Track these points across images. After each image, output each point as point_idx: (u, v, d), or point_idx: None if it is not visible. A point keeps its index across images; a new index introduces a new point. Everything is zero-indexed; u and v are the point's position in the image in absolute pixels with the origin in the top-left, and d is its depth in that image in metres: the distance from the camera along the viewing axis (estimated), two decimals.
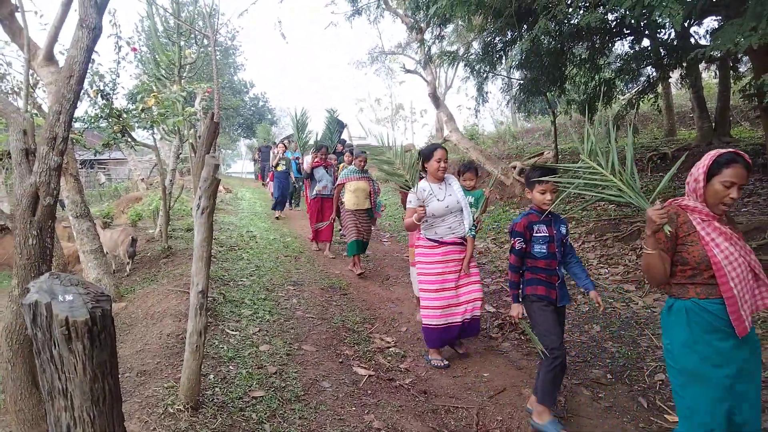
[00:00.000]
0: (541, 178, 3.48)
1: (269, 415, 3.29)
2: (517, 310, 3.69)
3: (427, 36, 11.42)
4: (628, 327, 5.23)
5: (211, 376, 3.68)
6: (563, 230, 3.67)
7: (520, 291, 3.70)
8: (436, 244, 4.56)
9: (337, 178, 8.45)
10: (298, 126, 11.18)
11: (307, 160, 9.39)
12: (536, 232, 3.58)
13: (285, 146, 13.15)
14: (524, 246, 3.60)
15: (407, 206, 4.55)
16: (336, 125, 12.55)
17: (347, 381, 4.00)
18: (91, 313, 1.31)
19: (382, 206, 7.94)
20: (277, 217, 12.57)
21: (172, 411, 3.05)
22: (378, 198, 7.86)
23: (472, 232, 4.62)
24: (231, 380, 3.69)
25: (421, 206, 4.31)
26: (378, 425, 3.38)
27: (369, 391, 3.90)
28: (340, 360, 4.44)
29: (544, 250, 3.57)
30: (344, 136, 12.25)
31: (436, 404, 3.87)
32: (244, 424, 3.13)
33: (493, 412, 3.79)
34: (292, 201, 14.42)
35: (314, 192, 8.78)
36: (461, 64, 10.87)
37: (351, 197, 7.55)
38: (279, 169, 12.50)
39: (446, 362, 4.60)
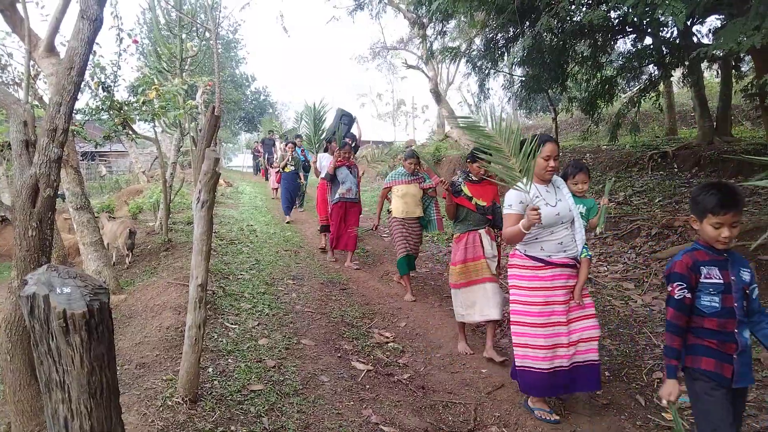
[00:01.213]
0: (722, 207, 2.42)
1: (267, 408, 3.30)
2: (671, 389, 2.49)
3: (429, 32, 11.41)
4: (626, 325, 5.24)
5: (210, 369, 3.69)
6: (746, 276, 2.51)
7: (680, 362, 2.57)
8: (541, 264, 3.56)
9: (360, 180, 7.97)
10: (315, 122, 10.21)
11: (322, 159, 8.59)
12: (705, 277, 2.49)
13: (295, 145, 11.85)
14: (688, 295, 2.51)
15: (505, 211, 3.61)
16: (341, 117, 10.83)
17: (346, 375, 4.01)
18: (88, 306, 1.32)
19: (437, 213, 6.61)
20: (288, 222, 11.12)
21: (170, 404, 3.06)
22: (430, 208, 6.65)
23: (588, 252, 3.68)
24: (230, 373, 3.69)
25: (534, 208, 3.25)
26: (376, 420, 3.39)
27: (367, 386, 3.91)
28: (339, 354, 4.45)
29: (717, 304, 2.46)
30: (354, 130, 10.91)
31: (434, 399, 3.88)
32: (242, 417, 3.15)
33: (490, 408, 3.80)
34: (297, 202, 12.92)
35: (337, 195, 7.66)
36: (463, 60, 10.88)
37: (399, 204, 6.49)
38: (287, 170, 11.34)
39: (556, 417, 3.60)
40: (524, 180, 3.14)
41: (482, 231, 4.76)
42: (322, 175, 8.27)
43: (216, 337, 4.31)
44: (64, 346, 1.31)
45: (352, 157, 8.13)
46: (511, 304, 3.70)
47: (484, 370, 4.40)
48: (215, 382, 3.52)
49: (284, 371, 3.90)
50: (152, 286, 5.66)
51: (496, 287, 4.68)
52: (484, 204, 4.76)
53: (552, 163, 3.54)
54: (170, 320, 4.52)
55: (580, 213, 3.83)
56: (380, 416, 3.45)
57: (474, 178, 4.84)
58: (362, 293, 6.39)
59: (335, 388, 3.78)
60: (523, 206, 3.46)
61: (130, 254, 7.27)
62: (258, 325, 4.78)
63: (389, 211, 6.71)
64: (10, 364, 2.94)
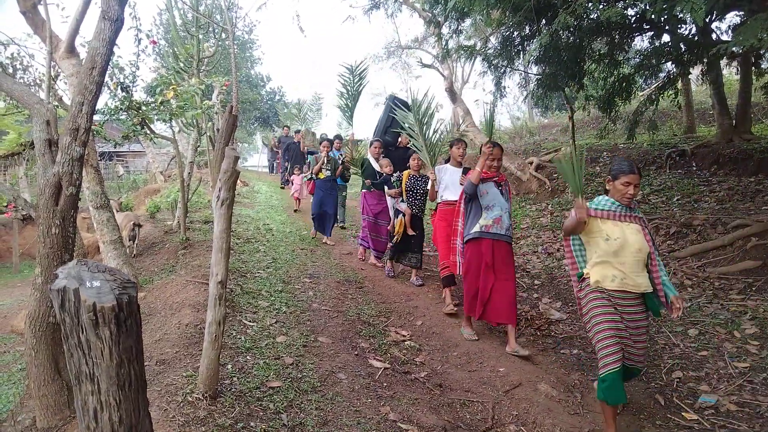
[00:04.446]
0: None
1: (286, 405, 3.32)
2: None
3: (445, 30, 11.36)
4: None
5: (229, 366, 3.72)
6: None
7: None
8: None
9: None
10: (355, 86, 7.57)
11: (442, 171, 5.98)
12: None
13: (331, 143, 9.34)
14: None
15: None
16: (393, 110, 7.88)
17: (363, 373, 4.02)
18: (117, 299, 1.34)
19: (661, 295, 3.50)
20: (321, 239, 9.03)
21: (191, 399, 3.09)
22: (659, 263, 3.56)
23: None
24: (248, 370, 3.72)
25: None
26: (394, 417, 3.39)
27: (385, 384, 3.92)
28: (356, 352, 4.46)
29: None
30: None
31: (451, 398, 3.88)
32: (261, 413, 3.17)
33: (508, 406, 3.79)
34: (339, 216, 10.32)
35: (476, 227, 4.92)
36: (479, 59, 10.85)
37: (607, 262, 3.44)
38: (322, 176, 8.95)
39: None
40: None
41: None
42: (441, 193, 5.94)
43: (234, 334, 4.34)
44: (93, 338, 1.33)
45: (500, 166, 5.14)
46: None
47: (501, 369, 4.39)
48: (234, 379, 3.55)
49: (302, 368, 3.91)
50: (171, 283, 5.71)
51: None
52: None
53: None
54: (189, 317, 4.56)
55: None
56: (398, 414, 3.46)
57: None
58: (378, 292, 6.39)
59: (353, 385, 3.79)
60: None
61: (133, 245, 7.81)
62: (275, 322, 4.80)
63: (582, 275, 3.63)
64: (34, 359, 3.00)
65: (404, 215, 6.67)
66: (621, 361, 3.30)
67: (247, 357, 3.96)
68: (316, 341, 4.53)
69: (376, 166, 7.70)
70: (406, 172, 6.84)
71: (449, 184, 5.86)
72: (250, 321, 4.72)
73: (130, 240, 7.65)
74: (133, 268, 6.16)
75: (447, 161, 6.09)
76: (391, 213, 7.30)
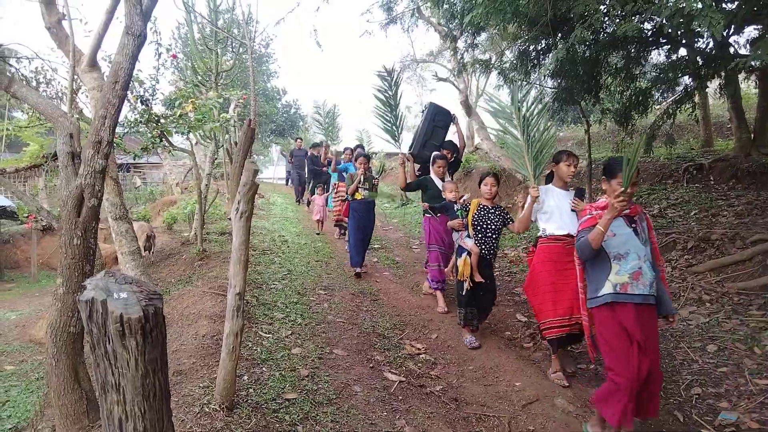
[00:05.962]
0: None
1: (302, 417, 3.32)
2: None
3: (461, 44, 11.39)
4: (663, 340, 5.14)
5: (245, 378, 3.73)
6: None
7: None
8: None
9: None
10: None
11: (547, 196, 4.63)
12: None
13: (367, 159, 8.02)
14: None
15: None
16: (433, 116, 7.18)
17: (378, 386, 4.02)
18: (144, 311, 1.37)
19: None
20: (357, 274, 7.49)
21: (207, 410, 3.11)
22: None
23: None
24: (264, 382, 3.74)
25: None
26: (409, 431, 3.39)
27: (400, 397, 3.91)
28: (371, 365, 4.46)
29: None
30: (451, 135, 7.44)
31: (467, 412, 3.86)
32: (277, 425, 3.18)
33: (525, 421, 3.77)
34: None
35: (606, 287, 3.42)
36: (494, 72, 10.87)
37: None
38: (358, 196, 7.62)
39: None
40: None
41: None
42: (544, 225, 4.64)
43: (250, 345, 4.36)
44: (120, 349, 1.36)
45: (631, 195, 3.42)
46: None
47: (517, 383, 4.36)
48: (251, 390, 3.57)
49: (318, 380, 3.92)
50: (187, 294, 5.75)
51: None
52: None
53: None
54: (206, 329, 4.59)
55: None
56: (413, 427, 3.45)
57: None
58: (393, 304, 6.38)
59: (368, 398, 3.79)
60: None
61: (148, 254, 8.18)
62: (291, 334, 4.82)
63: None
64: (55, 368, 3.03)
65: (470, 255, 5.20)
66: None
67: (263, 368, 3.98)
68: (332, 353, 4.54)
69: (440, 186, 6.48)
70: (475, 201, 5.42)
71: (555, 212, 4.53)
72: (265, 332, 4.74)
73: (145, 250, 7.82)
74: (150, 279, 6.21)
75: (548, 180, 4.80)
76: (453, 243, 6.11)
